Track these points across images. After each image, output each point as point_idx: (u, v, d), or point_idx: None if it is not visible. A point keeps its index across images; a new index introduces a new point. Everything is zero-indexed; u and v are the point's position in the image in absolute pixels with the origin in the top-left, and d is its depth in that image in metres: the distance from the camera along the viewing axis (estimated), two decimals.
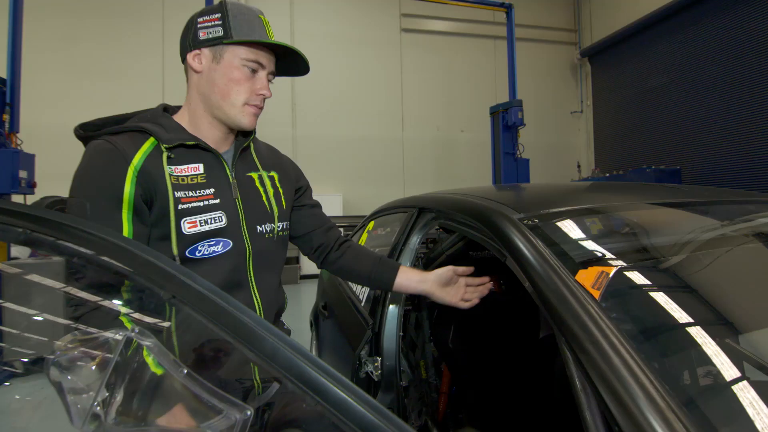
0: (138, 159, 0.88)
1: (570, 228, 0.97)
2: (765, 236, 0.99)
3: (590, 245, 0.90)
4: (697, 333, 0.66)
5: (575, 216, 1.03)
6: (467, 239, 1.43)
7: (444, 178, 9.56)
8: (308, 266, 8.34)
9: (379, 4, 9.52)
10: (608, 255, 0.85)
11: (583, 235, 0.95)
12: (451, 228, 1.38)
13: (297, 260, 8.51)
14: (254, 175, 1.07)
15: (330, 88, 9.08)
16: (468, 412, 1.65)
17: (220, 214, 0.94)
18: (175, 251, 0.88)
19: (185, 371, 0.45)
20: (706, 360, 0.64)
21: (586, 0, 10.68)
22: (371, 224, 2.18)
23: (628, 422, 0.54)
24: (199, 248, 0.91)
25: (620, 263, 0.81)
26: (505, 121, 5.52)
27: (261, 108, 1.02)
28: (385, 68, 9.54)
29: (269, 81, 1.02)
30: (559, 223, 0.99)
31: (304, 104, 9.00)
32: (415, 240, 1.54)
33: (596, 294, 0.71)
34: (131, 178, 0.86)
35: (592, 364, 0.62)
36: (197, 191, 0.92)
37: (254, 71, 0.97)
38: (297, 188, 1.23)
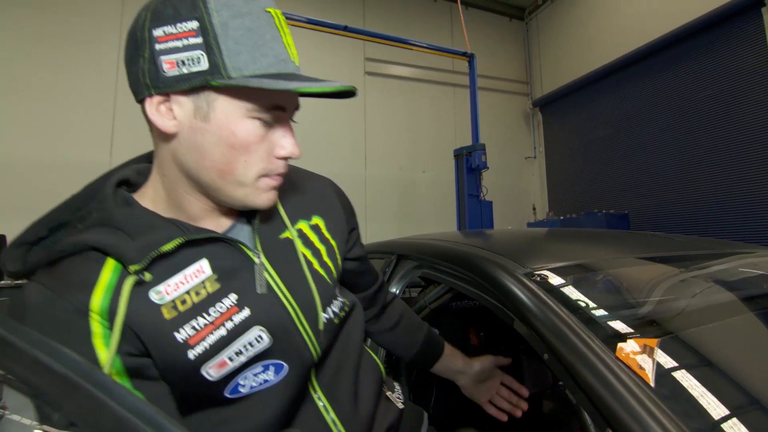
0: (98, 302, 0.52)
1: (587, 286, 0.85)
2: None
3: (618, 309, 0.77)
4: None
5: (588, 271, 0.91)
6: (454, 291, 1.28)
7: (406, 216, 9.54)
8: None
9: (344, 48, 9.71)
10: (643, 322, 0.73)
11: (606, 297, 0.83)
12: (436, 279, 1.23)
13: None
14: (289, 236, 0.68)
15: (294, 126, 8.97)
16: None
17: (259, 332, 0.59)
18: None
19: None
20: None
21: (536, 55, 11.53)
22: None
23: None
24: (241, 382, 0.59)
25: (661, 334, 0.68)
26: (469, 164, 5.60)
27: (283, 176, 0.64)
28: (349, 109, 9.62)
29: (292, 123, 0.64)
30: (572, 281, 0.86)
31: None
32: (394, 291, 1.36)
33: (646, 377, 0.57)
34: (100, 338, 0.51)
35: None
36: (211, 312, 0.56)
37: (270, 123, 0.60)
38: (350, 229, 0.84)
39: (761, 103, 7.04)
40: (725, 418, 0.57)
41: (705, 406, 0.55)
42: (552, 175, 11.00)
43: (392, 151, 9.83)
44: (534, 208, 10.87)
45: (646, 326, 0.71)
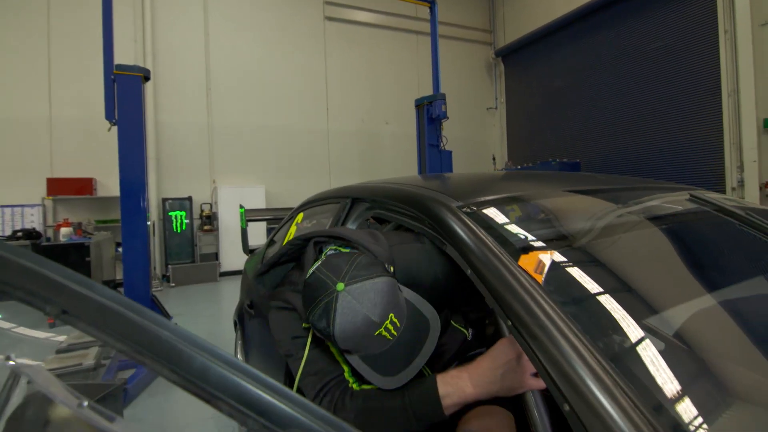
0: None
1: (506, 215, 0.99)
2: (672, 217, 1.10)
3: (527, 231, 0.92)
4: (631, 313, 0.70)
5: (511, 203, 1.05)
6: (402, 229, 1.41)
7: (370, 169, 9.59)
8: (228, 262, 7.88)
9: None
10: (544, 240, 0.87)
11: (519, 222, 0.97)
12: (386, 218, 1.35)
13: (216, 256, 7.98)
14: None
15: (249, 74, 8.59)
16: None
17: None
18: None
19: (85, 404, 0.35)
20: (638, 332, 0.68)
21: (500, 3, 11.34)
22: (300, 216, 2.07)
23: (580, 401, 0.54)
24: None
25: (557, 248, 0.83)
26: (430, 114, 5.66)
27: None
28: (308, 57, 9.26)
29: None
30: (496, 211, 1.00)
31: (221, 90, 8.41)
32: None
33: (539, 278, 0.72)
34: None
35: (541, 348, 0.62)
36: None
37: None
38: None
39: (704, 57, 7.42)
40: (602, 307, 0.74)
41: (584, 297, 0.71)
42: (512, 125, 11.26)
43: (355, 103, 9.67)
44: (494, 159, 11.19)
45: (548, 242, 0.87)
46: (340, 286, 0.80)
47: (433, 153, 5.65)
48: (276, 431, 0.35)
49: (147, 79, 4.13)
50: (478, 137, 11.28)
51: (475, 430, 0.92)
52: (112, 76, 3.92)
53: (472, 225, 0.91)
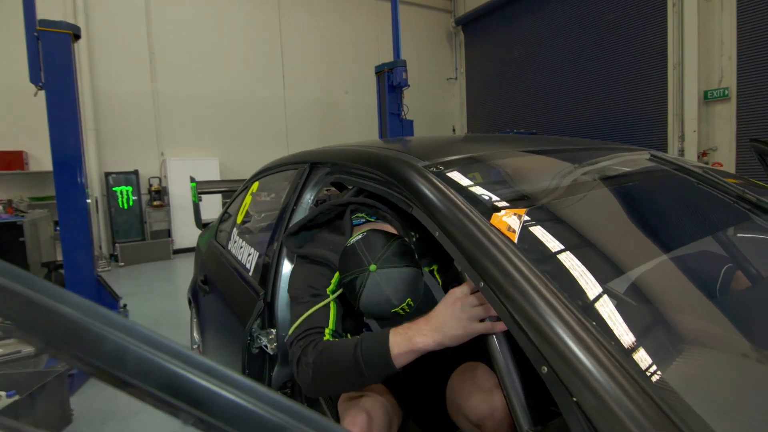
0: None
1: (475, 174, 0.94)
2: (639, 175, 1.09)
3: (497, 191, 0.87)
4: (607, 270, 0.68)
5: (479, 163, 1.00)
6: (366, 194, 1.33)
7: (329, 140, 9.32)
8: (182, 239, 7.52)
9: None
10: (515, 199, 0.83)
11: (489, 181, 0.92)
12: (347, 182, 1.27)
13: (168, 233, 7.59)
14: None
15: (197, 38, 7.98)
16: None
17: None
18: None
19: None
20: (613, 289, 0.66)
21: None
22: (255, 185, 1.94)
23: (560, 362, 0.51)
24: None
25: (528, 206, 0.79)
26: (390, 81, 5.51)
27: None
28: (262, 21, 8.70)
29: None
30: (464, 170, 0.94)
31: (165, 54, 7.77)
32: (308, 198, 1.39)
33: (513, 237, 0.68)
34: None
35: (517, 308, 0.58)
36: None
37: None
38: None
39: (654, 29, 7.67)
40: (578, 264, 0.71)
41: (559, 256, 0.67)
42: (471, 96, 11.28)
43: (312, 71, 9.28)
44: (453, 130, 11.24)
45: (519, 201, 0.83)
46: (373, 267, 0.91)
47: (394, 122, 5.55)
48: (216, 425, 0.27)
49: (77, 37, 3.70)
50: (439, 108, 11.24)
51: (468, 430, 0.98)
52: (36, 33, 3.49)
53: (439, 185, 0.85)
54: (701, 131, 7.48)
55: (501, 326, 0.73)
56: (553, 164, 1.09)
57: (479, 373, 1.01)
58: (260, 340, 1.31)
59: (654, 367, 0.52)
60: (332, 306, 1.01)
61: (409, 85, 5.63)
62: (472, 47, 11.16)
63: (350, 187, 1.42)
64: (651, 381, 0.49)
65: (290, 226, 1.21)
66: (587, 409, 0.46)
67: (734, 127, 7.13)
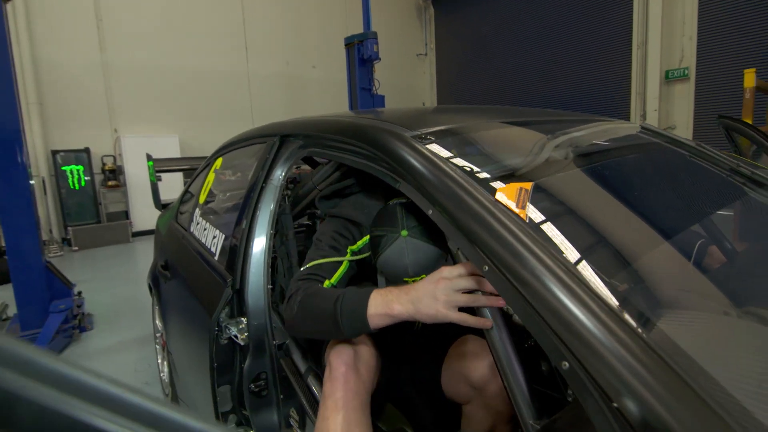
0: None
1: (470, 145, 0.84)
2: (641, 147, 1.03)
3: (498, 162, 0.78)
4: (638, 251, 0.61)
5: (473, 132, 0.91)
6: (344, 170, 1.22)
7: (296, 116, 8.98)
8: (141, 221, 7.12)
9: None
10: (520, 171, 0.75)
11: (487, 152, 0.83)
12: (323, 156, 1.15)
13: (126, 215, 7.16)
14: None
15: (149, 3, 7.37)
16: None
17: None
18: None
19: None
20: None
21: None
22: (219, 161, 1.78)
23: (591, 356, 0.43)
24: None
25: (535, 179, 0.71)
26: (361, 54, 5.29)
27: None
28: None
29: None
30: (458, 141, 0.85)
31: (114, 22, 7.14)
32: (279, 174, 1.26)
33: (523, 214, 0.59)
34: None
35: (533, 293, 0.50)
36: None
37: None
38: None
39: (620, 8, 7.75)
40: (602, 245, 0.63)
41: (577, 234, 0.60)
42: (441, 72, 11.14)
43: (277, 44, 8.83)
44: (423, 105, 11.13)
45: (524, 174, 0.74)
46: (404, 233, 0.88)
47: (365, 97, 5.36)
48: None
49: None
50: (408, 84, 11.05)
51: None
52: None
53: (432, 157, 0.75)
54: (661, 110, 7.71)
55: (474, 321, 0.70)
56: (557, 134, 1.01)
57: (480, 343, 1.06)
58: (229, 330, 1.20)
59: (707, 365, 0.46)
60: (345, 264, 1.03)
61: (380, 59, 5.45)
62: (442, 23, 10.96)
63: (325, 163, 1.30)
64: (708, 381, 0.42)
65: (324, 189, 1.21)
66: (634, 418, 0.39)
67: (692, 106, 7.40)
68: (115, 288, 4.66)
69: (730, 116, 2.49)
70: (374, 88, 5.50)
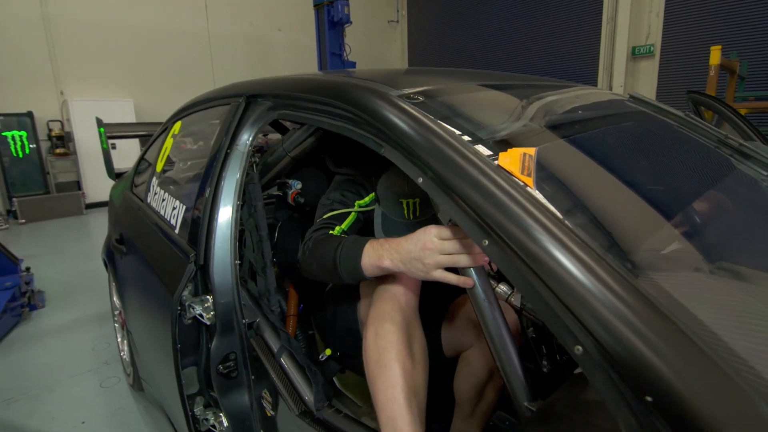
0: None
1: (463, 107, 0.76)
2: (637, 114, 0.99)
3: (497, 125, 0.71)
4: (657, 219, 0.56)
5: (464, 93, 0.83)
6: (320, 135, 1.12)
7: None
8: (95, 192, 6.68)
9: None
10: (521, 135, 0.68)
11: (483, 115, 0.76)
12: (295, 119, 1.04)
13: (78, 185, 6.69)
14: None
15: None
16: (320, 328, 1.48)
17: None
18: None
19: None
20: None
21: None
22: (177, 125, 1.62)
23: (611, 340, 0.38)
24: None
25: (540, 143, 0.65)
26: (331, 17, 5.01)
27: None
28: None
29: None
30: (448, 101, 0.77)
31: None
32: (245, 139, 1.14)
33: (529, 182, 0.53)
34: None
35: (545, 271, 0.44)
36: None
37: None
38: None
39: None
40: (616, 216, 0.58)
41: (584, 201, 0.54)
42: (413, 41, 10.85)
43: (240, 3, 8.25)
44: None
45: (526, 138, 0.68)
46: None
47: (335, 63, 5.12)
48: None
49: None
50: (379, 52, 10.72)
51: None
52: None
53: (423, 118, 0.67)
54: (627, 85, 7.86)
55: (456, 279, 0.70)
56: (550, 98, 0.94)
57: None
58: (193, 309, 1.10)
59: (748, 357, 0.41)
60: (353, 215, 1.07)
61: (351, 22, 5.19)
62: None
63: (296, 127, 1.19)
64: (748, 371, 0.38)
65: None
66: (671, 415, 0.34)
67: (655, 83, 7.58)
68: (68, 263, 4.38)
69: (699, 91, 2.53)
70: (345, 54, 5.26)
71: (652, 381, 0.36)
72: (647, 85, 7.69)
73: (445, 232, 0.70)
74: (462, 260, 0.68)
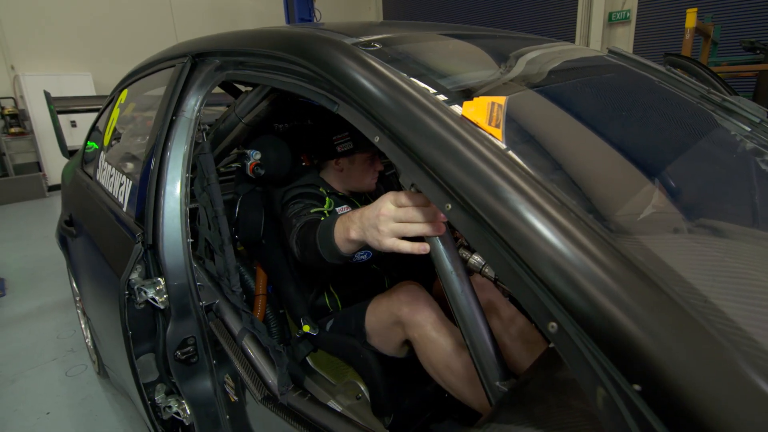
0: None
1: (427, 55, 0.67)
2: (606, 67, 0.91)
3: (460, 74, 0.63)
4: (635, 175, 0.50)
5: (426, 42, 0.73)
6: (273, 98, 1.01)
7: None
8: (56, 173, 6.33)
9: None
10: (488, 84, 0.60)
11: (446, 64, 0.67)
12: (245, 79, 0.93)
13: (38, 167, 6.32)
14: None
15: None
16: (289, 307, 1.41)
17: None
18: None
19: None
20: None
21: None
22: (124, 94, 1.47)
23: (593, 311, 0.32)
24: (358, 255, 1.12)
25: (509, 91, 0.57)
26: None
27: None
28: None
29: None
30: (410, 50, 0.67)
31: None
32: (192, 105, 1.02)
33: (497, 134, 0.45)
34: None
35: (517, 237, 0.37)
36: None
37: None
38: None
39: None
40: (593, 172, 0.51)
41: (559, 157, 0.47)
42: (388, 6, 10.49)
43: None
44: None
45: (492, 87, 0.60)
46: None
47: None
48: None
49: None
50: (354, 18, 10.33)
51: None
52: None
53: (380, 68, 0.58)
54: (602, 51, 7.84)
55: (409, 246, 0.66)
56: (518, 48, 0.86)
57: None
58: (145, 292, 1.01)
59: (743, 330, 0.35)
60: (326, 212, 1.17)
61: None
62: None
63: (247, 91, 1.08)
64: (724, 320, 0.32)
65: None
66: (661, 405, 0.28)
67: (631, 49, 7.56)
68: (30, 249, 4.16)
69: (676, 53, 2.48)
70: (315, 20, 5.00)
71: (639, 363, 0.30)
72: None
73: (402, 198, 0.64)
74: (415, 228, 0.63)
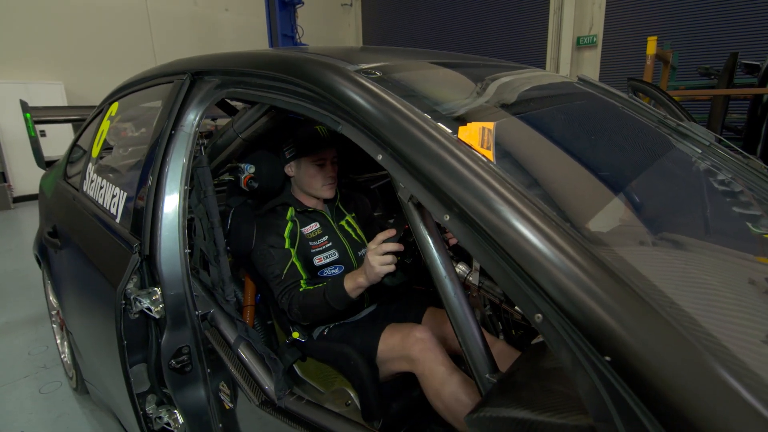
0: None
1: (422, 83, 0.75)
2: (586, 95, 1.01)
3: (454, 101, 0.70)
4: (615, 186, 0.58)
5: (422, 70, 0.81)
6: (273, 114, 1.07)
7: None
8: (23, 184, 6.11)
9: None
10: (480, 110, 0.68)
11: (438, 91, 0.75)
12: (246, 98, 0.98)
13: (3, 177, 6.08)
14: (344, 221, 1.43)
15: None
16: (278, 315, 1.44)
17: (334, 251, 1.35)
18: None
19: None
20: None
21: None
22: (114, 107, 1.49)
23: (573, 302, 0.39)
24: (326, 272, 1.34)
25: (497, 117, 0.65)
26: None
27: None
28: None
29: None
30: (407, 77, 0.75)
31: None
32: (191, 120, 1.07)
33: (489, 155, 0.53)
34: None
35: (507, 242, 0.44)
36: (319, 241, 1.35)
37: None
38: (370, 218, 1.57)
39: None
40: (564, 186, 0.59)
41: (540, 174, 0.55)
42: (368, 25, 10.73)
43: None
44: None
45: (484, 113, 0.68)
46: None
47: (287, 45, 4.95)
48: None
49: None
50: (333, 37, 10.50)
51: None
52: None
53: (382, 93, 0.65)
54: (572, 74, 8.23)
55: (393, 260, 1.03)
56: (501, 77, 0.95)
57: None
58: (140, 302, 1.03)
59: (708, 327, 0.43)
60: (296, 261, 1.29)
61: (303, 3, 5.01)
62: None
63: (246, 107, 1.13)
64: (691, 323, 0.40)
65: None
66: (627, 372, 0.35)
67: (598, 72, 7.98)
68: None
69: (638, 78, 2.68)
70: (297, 36, 5.09)
71: (609, 341, 0.37)
72: (590, 74, 8.08)
73: (379, 237, 1.02)
74: (387, 248, 1.00)
